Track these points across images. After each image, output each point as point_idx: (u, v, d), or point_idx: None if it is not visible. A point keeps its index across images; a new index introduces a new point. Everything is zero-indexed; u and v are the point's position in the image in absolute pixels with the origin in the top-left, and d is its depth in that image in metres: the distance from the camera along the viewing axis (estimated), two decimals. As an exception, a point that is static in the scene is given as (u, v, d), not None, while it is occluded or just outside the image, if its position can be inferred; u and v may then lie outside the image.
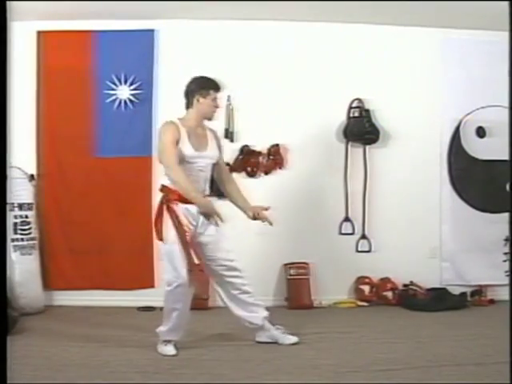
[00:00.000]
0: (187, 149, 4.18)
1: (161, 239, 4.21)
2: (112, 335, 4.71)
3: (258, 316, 4.49)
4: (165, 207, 4.18)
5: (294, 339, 4.47)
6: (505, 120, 5.66)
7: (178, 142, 4.16)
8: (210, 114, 4.34)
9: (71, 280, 5.77)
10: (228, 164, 5.86)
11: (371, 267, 5.99)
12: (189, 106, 4.31)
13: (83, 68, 5.80)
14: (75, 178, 5.83)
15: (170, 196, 4.18)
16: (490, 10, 5.19)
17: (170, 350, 4.25)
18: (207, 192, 4.35)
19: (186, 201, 4.18)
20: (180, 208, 4.17)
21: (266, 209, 4.47)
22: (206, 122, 4.40)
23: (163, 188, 4.24)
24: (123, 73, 5.82)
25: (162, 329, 4.31)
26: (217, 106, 4.35)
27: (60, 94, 5.77)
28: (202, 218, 4.25)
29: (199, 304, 5.51)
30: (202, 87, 4.27)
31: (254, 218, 4.49)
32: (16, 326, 4.60)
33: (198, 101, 4.26)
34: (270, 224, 4.50)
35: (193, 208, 4.20)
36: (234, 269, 4.40)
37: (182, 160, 4.17)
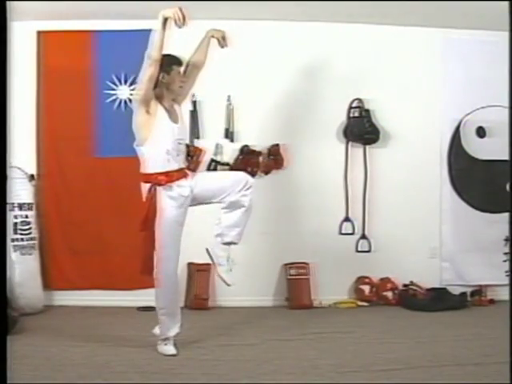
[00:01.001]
0: (167, 122, 4.21)
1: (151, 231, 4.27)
2: (112, 335, 4.71)
3: None
4: (156, 195, 4.18)
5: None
6: (505, 120, 5.66)
7: (151, 111, 4.17)
8: (177, 88, 4.34)
9: (71, 280, 5.76)
10: (228, 164, 5.87)
11: (371, 267, 6.00)
12: (156, 86, 4.25)
13: (83, 68, 5.79)
14: (75, 178, 5.82)
15: (160, 179, 4.18)
16: (490, 10, 5.18)
17: (169, 349, 4.25)
18: (186, 164, 4.42)
19: (175, 178, 4.19)
20: (174, 189, 4.18)
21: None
22: None
23: (150, 176, 4.23)
24: (123, 73, 5.82)
25: (157, 328, 4.33)
26: (183, 80, 4.36)
27: (60, 94, 5.76)
28: (194, 182, 4.24)
29: (199, 304, 5.53)
30: (164, 64, 4.23)
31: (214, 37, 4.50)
32: (16, 326, 4.59)
33: (163, 78, 4.24)
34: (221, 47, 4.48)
35: (185, 182, 4.21)
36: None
37: (163, 134, 4.18)
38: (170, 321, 4.28)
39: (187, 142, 4.59)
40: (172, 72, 4.27)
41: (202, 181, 4.34)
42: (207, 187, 4.32)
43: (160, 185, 4.18)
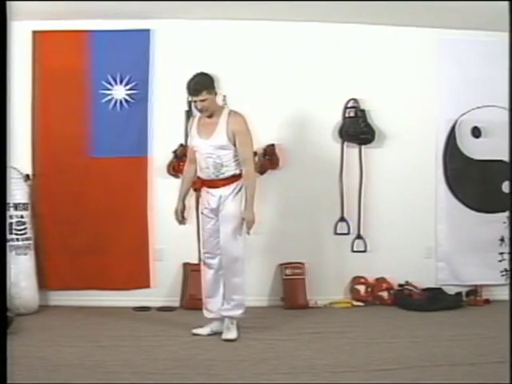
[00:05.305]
0: (192, 138, 4.72)
1: None
2: (107, 335, 4.71)
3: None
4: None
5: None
6: (500, 120, 5.69)
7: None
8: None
9: (67, 280, 5.75)
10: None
11: (367, 267, 6.00)
12: None
13: (79, 68, 5.77)
14: (71, 178, 5.80)
15: (196, 184, 4.80)
16: (486, 11, 5.19)
17: (200, 330, 4.74)
18: (222, 175, 4.59)
19: (207, 184, 4.66)
20: (203, 192, 4.72)
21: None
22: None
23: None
24: (119, 73, 5.80)
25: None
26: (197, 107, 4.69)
27: (55, 93, 5.75)
28: (223, 199, 4.59)
29: (194, 304, 5.50)
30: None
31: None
32: (11, 326, 4.58)
33: None
34: (247, 234, 4.72)
35: (214, 191, 4.61)
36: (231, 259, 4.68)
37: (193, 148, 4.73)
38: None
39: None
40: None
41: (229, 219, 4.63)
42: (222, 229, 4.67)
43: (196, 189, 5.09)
